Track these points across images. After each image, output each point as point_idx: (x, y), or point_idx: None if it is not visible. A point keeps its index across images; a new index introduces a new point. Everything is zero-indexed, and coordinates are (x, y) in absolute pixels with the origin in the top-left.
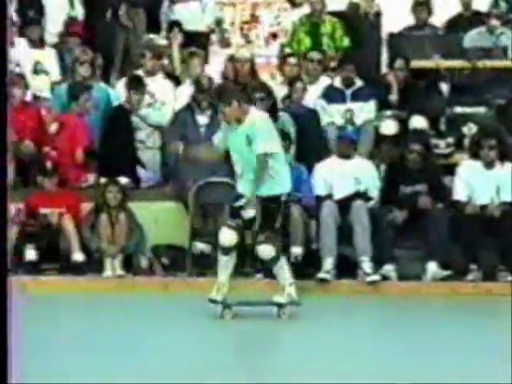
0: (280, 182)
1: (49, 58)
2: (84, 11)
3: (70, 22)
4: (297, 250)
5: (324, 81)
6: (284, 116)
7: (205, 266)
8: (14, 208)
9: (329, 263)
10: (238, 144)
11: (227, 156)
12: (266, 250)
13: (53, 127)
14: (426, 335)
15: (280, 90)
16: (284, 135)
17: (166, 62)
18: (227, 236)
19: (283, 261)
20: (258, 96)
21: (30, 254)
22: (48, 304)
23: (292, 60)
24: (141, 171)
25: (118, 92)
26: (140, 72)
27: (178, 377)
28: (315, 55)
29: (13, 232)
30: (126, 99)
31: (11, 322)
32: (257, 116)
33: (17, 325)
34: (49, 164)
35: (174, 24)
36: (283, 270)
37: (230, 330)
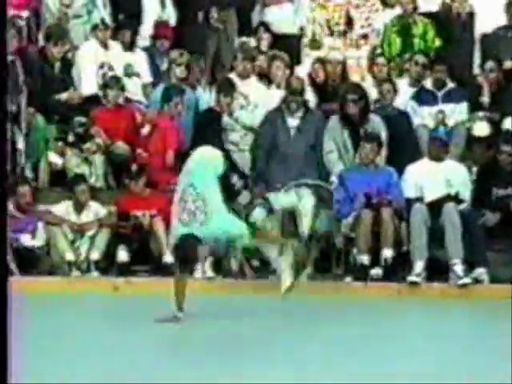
0: None
1: (140, 60)
2: (175, 14)
3: (160, 24)
4: (387, 253)
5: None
6: (375, 118)
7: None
8: (105, 210)
9: (419, 266)
10: None
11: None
12: None
13: (145, 129)
14: None
15: (371, 92)
16: (374, 138)
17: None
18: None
19: None
20: (350, 97)
21: (122, 255)
22: (139, 305)
23: (381, 60)
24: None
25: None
26: (233, 74)
27: None
28: (421, 58)
29: (104, 233)
30: (215, 102)
31: (10, 321)
32: None
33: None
34: (134, 166)
35: (261, 25)
36: None
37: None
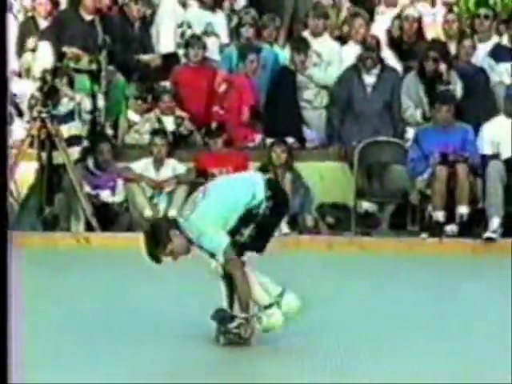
0: None
1: (219, 20)
2: None
3: None
4: (463, 210)
5: (493, 39)
6: (451, 75)
7: (369, 225)
8: (184, 167)
9: (495, 222)
10: None
11: None
12: None
13: (222, 87)
14: None
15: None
16: (450, 99)
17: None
18: None
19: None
20: (432, 55)
21: None
22: None
23: (451, 16)
24: (306, 131)
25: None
26: (306, 32)
27: None
28: (483, 11)
29: (182, 190)
30: (290, 60)
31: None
32: None
33: None
34: (214, 124)
35: None
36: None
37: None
